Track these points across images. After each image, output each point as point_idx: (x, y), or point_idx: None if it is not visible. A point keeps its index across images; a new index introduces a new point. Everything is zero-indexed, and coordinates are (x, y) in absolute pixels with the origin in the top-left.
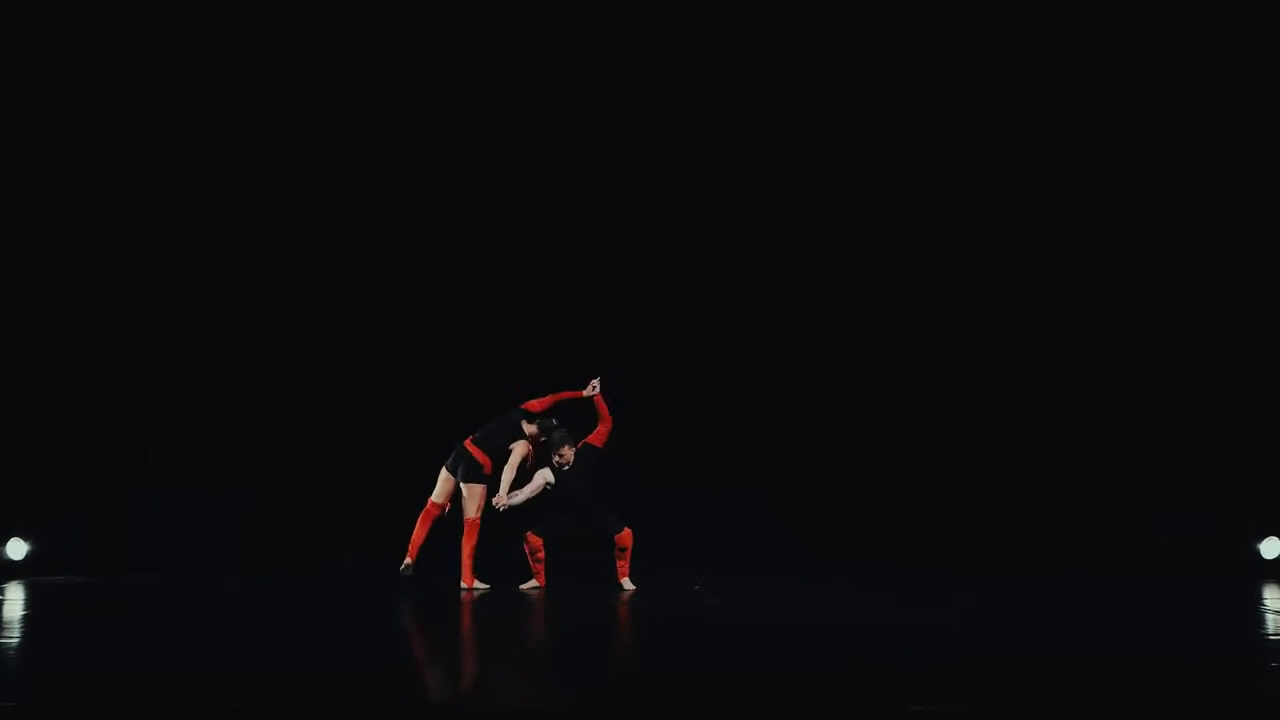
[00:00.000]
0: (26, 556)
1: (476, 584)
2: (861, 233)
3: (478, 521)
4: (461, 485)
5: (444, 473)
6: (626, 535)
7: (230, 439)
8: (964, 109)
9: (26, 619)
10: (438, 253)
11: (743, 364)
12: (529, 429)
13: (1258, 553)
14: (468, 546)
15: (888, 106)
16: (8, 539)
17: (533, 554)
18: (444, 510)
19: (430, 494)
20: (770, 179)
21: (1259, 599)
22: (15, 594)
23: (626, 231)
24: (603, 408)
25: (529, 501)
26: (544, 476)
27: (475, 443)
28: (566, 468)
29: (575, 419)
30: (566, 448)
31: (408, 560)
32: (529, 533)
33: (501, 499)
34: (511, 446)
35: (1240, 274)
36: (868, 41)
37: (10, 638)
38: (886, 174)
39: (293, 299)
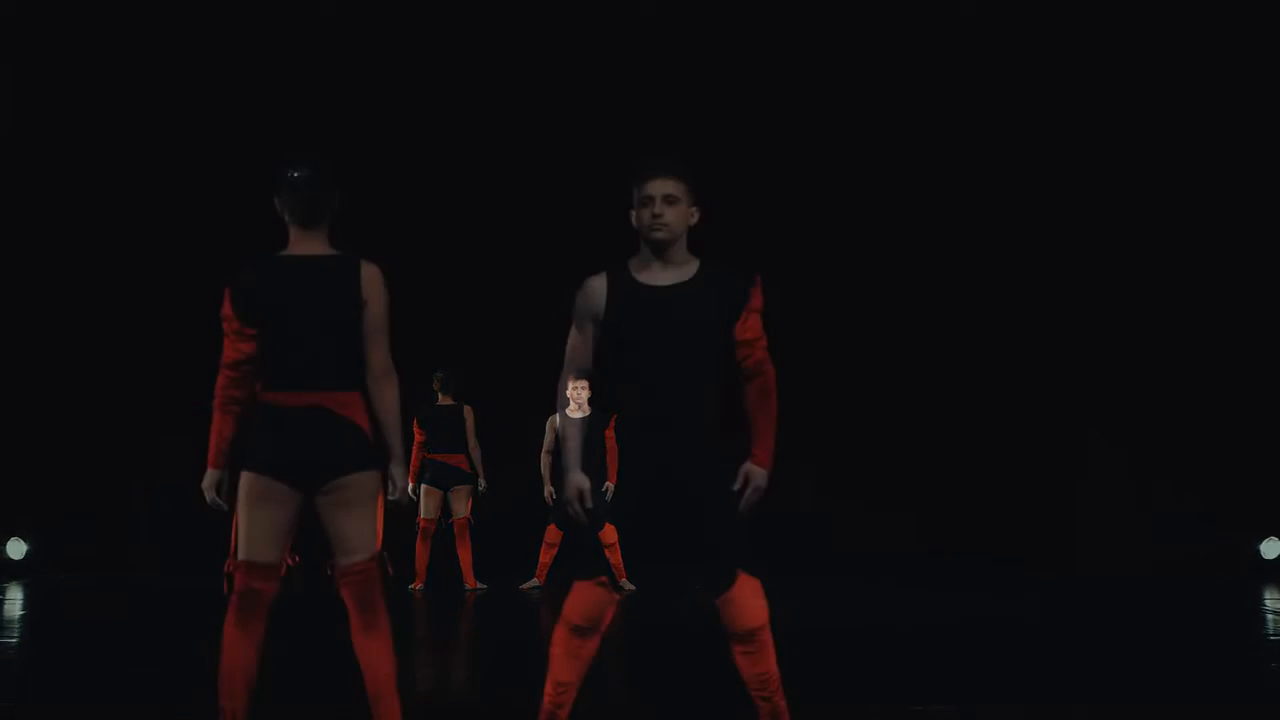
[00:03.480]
0: (26, 556)
1: (477, 584)
2: (860, 230)
3: (468, 519)
4: (449, 493)
5: (426, 489)
6: (608, 531)
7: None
8: (964, 108)
9: (26, 619)
10: (437, 250)
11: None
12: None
13: (1258, 553)
14: (464, 547)
15: (888, 106)
16: (8, 539)
17: (549, 547)
18: (442, 523)
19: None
20: (771, 178)
21: (1259, 599)
22: (15, 594)
23: (629, 232)
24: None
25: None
26: (552, 424)
27: (442, 452)
28: (576, 410)
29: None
30: (584, 382)
31: (418, 585)
32: (551, 524)
33: (549, 491)
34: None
35: (1240, 274)
36: (867, 41)
37: (10, 638)
38: (886, 174)
39: None
